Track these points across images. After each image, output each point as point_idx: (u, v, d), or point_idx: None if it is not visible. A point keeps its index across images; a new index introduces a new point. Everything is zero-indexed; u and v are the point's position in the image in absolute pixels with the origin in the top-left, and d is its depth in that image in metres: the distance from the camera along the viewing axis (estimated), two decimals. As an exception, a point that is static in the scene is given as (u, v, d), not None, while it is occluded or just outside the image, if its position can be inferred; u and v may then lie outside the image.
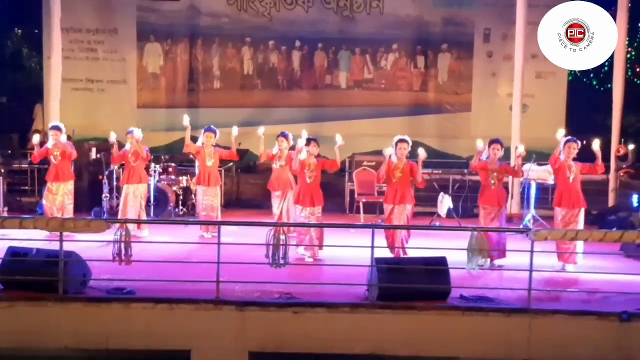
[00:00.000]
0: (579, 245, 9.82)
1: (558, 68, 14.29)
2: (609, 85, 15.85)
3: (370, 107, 19.61)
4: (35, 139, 12.14)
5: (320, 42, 19.55)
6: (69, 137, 14.37)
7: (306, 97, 19.74)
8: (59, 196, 11.87)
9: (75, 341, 8.03)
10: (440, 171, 15.19)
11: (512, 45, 15.84)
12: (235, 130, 12.15)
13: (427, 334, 7.97)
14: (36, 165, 14.46)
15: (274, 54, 19.62)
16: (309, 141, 10.54)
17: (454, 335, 7.96)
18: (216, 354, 7.94)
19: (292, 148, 11.50)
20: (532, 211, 12.57)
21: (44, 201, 12.04)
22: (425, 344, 7.98)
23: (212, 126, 12.28)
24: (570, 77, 19.35)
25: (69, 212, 11.88)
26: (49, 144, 11.92)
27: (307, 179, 10.35)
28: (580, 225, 9.97)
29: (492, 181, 10.19)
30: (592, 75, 20.57)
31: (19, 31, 21.82)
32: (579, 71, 20.13)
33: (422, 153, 10.27)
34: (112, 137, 12.16)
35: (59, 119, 14.56)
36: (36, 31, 19.52)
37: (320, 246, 10.25)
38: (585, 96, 20.33)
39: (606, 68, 18.15)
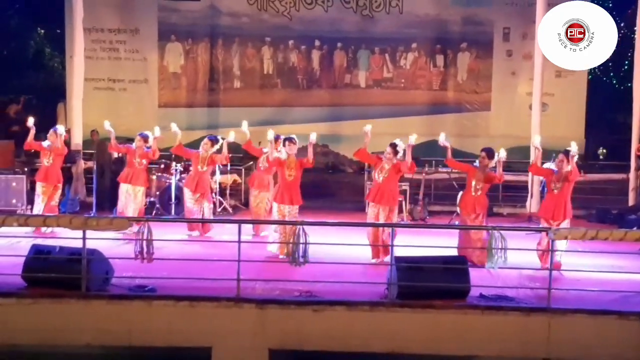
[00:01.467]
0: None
1: (578, 67, 14.23)
2: (629, 84, 15.75)
3: (390, 106, 19.64)
4: (30, 121, 12.22)
5: (340, 42, 19.62)
6: (92, 133, 14.50)
7: (326, 96, 19.81)
8: (48, 197, 11.99)
9: (98, 338, 8.11)
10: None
11: (531, 44, 15.81)
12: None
13: (447, 332, 7.99)
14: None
15: (294, 54, 19.70)
16: (285, 141, 10.46)
17: (473, 334, 7.97)
18: (237, 352, 8.00)
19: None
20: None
21: (39, 202, 12.06)
22: (444, 342, 8.00)
23: (213, 135, 12.30)
24: (590, 76, 19.27)
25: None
26: (45, 143, 12.03)
27: (287, 177, 10.34)
28: None
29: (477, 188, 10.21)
30: (612, 74, 20.46)
31: (42, 31, 22.03)
32: (599, 70, 20.02)
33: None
34: (107, 126, 12.20)
35: (81, 118, 14.71)
36: (58, 31, 19.70)
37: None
38: (605, 95, 20.23)
39: (626, 67, 18.05)
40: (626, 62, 17.49)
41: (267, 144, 14.87)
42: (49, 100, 20.19)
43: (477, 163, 10.42)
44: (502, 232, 8.58)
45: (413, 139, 10.15)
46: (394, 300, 8.10)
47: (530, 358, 8.11)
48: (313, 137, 10.38)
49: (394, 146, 10.14)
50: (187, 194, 11.89)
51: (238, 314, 8.03)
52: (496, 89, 19.44)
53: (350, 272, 9.03)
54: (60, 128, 12.36)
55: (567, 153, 10.05)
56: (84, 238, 8.23)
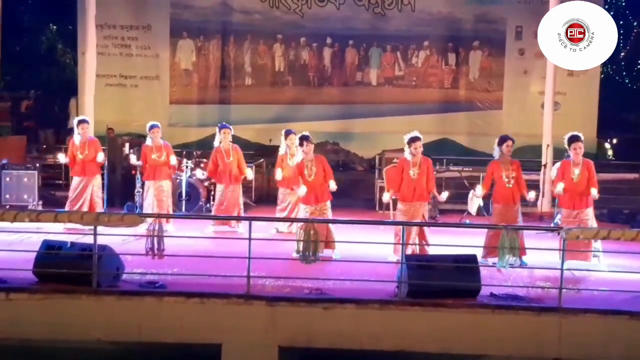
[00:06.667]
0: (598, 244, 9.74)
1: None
2: (642, 84, 15.72)
3: (401, 104, 19.64)
4: (61, 158, 12.40)
5: (352, 39, 19.62)
6: (109, 131, 14.51)
7: (337, 94, 19.81)
8: (86, 191, 11.93)
9: (108, 333, 8.13)
10: (470, 169, 15.12)
11: (544, 43, 15.73)
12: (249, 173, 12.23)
13: (457, 331, 7.96)
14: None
15: (305, 51, 19.72)
16: (301, 140, 10.39)
17: (484, 333, 7.95)
18: (247, 348, 8.00)
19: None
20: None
21: (70, 194, 12.04)
22: (454, 341, 7.98)
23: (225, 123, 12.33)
24: (602, 75, 19.20)
25: (99, 207, 11.98)
26: (76, 140, 11.97)
27: (307, 177, 10.30)
28: (592, 224, 9.85)
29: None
30: (624, 73, 20.41)
31: (54, 27, 22.13)
32: (611, 69, 19.97)
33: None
34: (133, 160, 12.38)
35: (93, 115, 14.74)
36: (70, 27, 19.78)
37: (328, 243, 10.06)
38: (618, 94, 20.18)
39: (639, 66, 17.99)
40: (639, 62, 17.41)
41: (279, 140, 14.96)
42: (61, 96, 20.26)
43: (497, 157, 10.32)
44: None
45: (444, 197, 10.18)
46: (404, 299, 8.08)
47: (541, 357, 8.08)
48: (333, 187, 10.25)
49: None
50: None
51: (248, 311, 8.03)
52: (508, 87, 19.39)
53: (361, 270, 9.01)
54: (86, 118, 12.40)
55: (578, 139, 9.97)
56: (94, 234, 8.25)
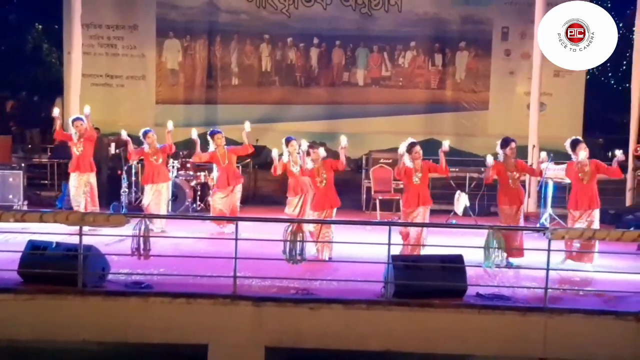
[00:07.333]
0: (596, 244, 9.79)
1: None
2: (627, 85, 15.76)
3: (388, 105, 19.63)
4: (56, 111, 12.43)
5: (338, 40, 19.59)
6: (96, 130, 14.50)
7: (324, 94, 19.78)
8: (82, 187, 11.96)
9: (94, 334, 8.12)
10: (457, 169, 15.14)
11: (530, 44, 15.80)
12: (247, 125, 12.21)
13: (443, 331, 7.99)
14: (55, 160, 14.68)
15: (292, 51, 19.68)
16: (308, 151, 10.41)
17: (470, 333, 7.98)
18: (233, 349, 8.00)
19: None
20: (549, 210, 12.53)
21: (72, 194, 12.09)
22: (441, 341, 8.01)
23: (215, 128, 12.37)
24: (588, 76, 19.26)
25: (90, 207, 11.98)
26: (74, 137, 12.00)
27: (318, 184, 10.30)
28: (596, 225, 9.92)
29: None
30: (610, 74, 20.50)
31: (40, 27, 22.01)
32: (597, 70, 20.04)
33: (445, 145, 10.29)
34: (124, 135, 12.34)
35: (79, 114, 14.68)
36: (56, 27, 19.66)
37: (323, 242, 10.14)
38: (604, 95, 20.27)
39: (624, 67, 18.05)
40: (624, 63, 17.48)
41: (266, 140, 14.89)
42: (47, 96, 20.16)
43: (500, 158, 10.37)
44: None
45: (446, 145, 10.24)
46: (390, 299, 8.10)
47: (527, 357, 8.13)
48: (344, 142, 10.34)
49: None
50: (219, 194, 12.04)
51: (234, 311, 8.04)
52: (494, 88, 19.42)
53: (347, 271, 9.02)
54: (86, 108, 12.34)
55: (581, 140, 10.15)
56: (80, 234, 8.22)
